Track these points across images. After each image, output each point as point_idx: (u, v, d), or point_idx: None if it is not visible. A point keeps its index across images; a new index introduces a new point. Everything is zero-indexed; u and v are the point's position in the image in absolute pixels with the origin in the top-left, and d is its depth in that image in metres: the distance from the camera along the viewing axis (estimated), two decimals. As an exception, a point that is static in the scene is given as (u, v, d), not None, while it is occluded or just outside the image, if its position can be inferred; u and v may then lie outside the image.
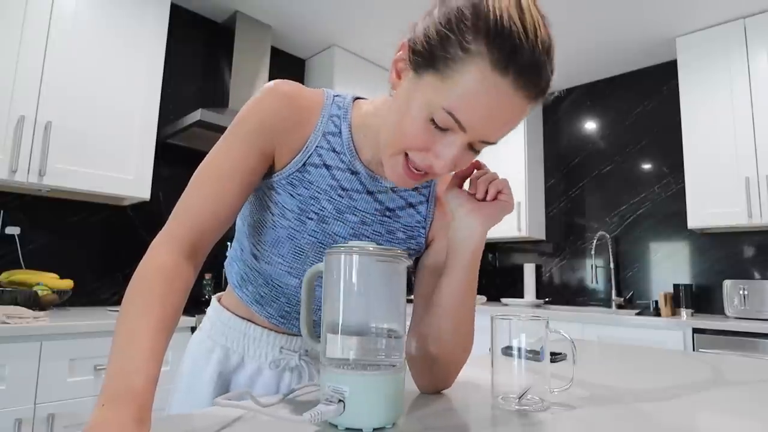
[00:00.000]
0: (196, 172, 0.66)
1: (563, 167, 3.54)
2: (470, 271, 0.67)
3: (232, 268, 0.81)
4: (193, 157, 2.64)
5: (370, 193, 0.71)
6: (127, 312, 0.54)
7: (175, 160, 2.56)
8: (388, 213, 0.73)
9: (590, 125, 3.43)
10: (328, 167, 0.69)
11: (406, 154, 0.60)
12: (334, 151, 0.69)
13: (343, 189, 0.69)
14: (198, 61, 2.72)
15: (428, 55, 0.55)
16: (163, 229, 0.63)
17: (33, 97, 1.86)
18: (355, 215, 0.71)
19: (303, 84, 3.48)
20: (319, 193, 0.68)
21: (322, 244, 0.70)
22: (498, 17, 0.50)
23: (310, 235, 0.69)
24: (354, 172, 0.70)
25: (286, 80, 0.69)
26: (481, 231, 0.66)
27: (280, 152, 0.68)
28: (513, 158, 3.44)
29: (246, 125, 0.66)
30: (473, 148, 0.59)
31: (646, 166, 3.14)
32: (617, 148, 3.28)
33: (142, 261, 0.59)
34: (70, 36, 1.97)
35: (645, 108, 3.18)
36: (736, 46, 2.58)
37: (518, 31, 0.50)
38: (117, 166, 2.07)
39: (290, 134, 0.67)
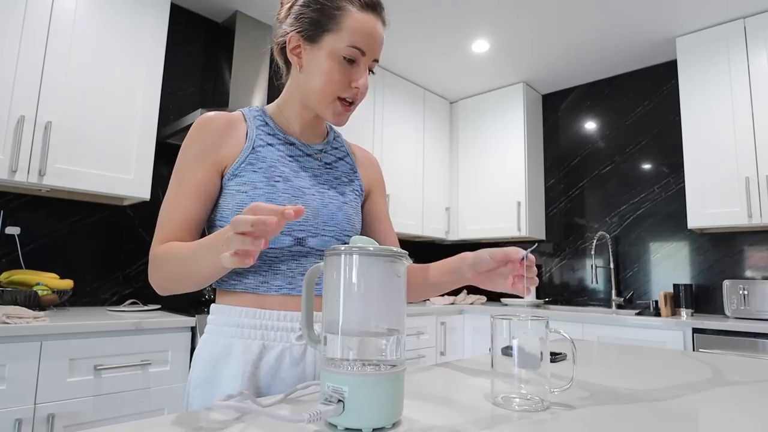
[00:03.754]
0: (165, 197, 0.84)
1: (563, 167, 3.54)
2: (452, 285, 0.93)
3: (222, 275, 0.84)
4: (193, 157, 2.63)
5: (308, 155, 0.91)
6: (174, 257, 0.76)
7: (175, 160, 2.56)
8: (328, 166, 0.93)
9: (590, 125, 3.43)
10: (271, 144, 0.87)
11: (338, 98, 0.83)
12: (269, 134, 0.88)
13: (290, 156, 0.88)
14: (198, 61, 2.72)
15: (318, 26, 0.81)
16: (153, 241, 0.83)
17: (33, 97, 1.86)
18: (307, 171, 0.89)
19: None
20: (274, 162, 0.85)
21: (296, 197, 0.84)
22: None
23: (283, 193, 0.83)
24: (290, 144, 0.89)
25: (210, 110, 0.91)
26: (473, 281, 0.88)
27: (228, 152, 0.84)
28: (513, 158, 3.44)
29: (190, 151, 0.84)
30: (371, 70, 0.86)
31: (646, 166, 3.14)
32: (617, 148, 3.28)
33: (149, 268, 0.81)
34: (70, 36, 1.97)
35: (645, 108, 3.18)
36: (736, 46, 2.58)
37: None
38: (117, 166, 2.07)
39: (230, 138, 0.85)
